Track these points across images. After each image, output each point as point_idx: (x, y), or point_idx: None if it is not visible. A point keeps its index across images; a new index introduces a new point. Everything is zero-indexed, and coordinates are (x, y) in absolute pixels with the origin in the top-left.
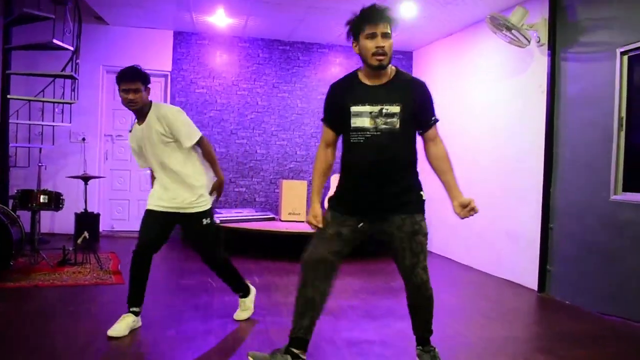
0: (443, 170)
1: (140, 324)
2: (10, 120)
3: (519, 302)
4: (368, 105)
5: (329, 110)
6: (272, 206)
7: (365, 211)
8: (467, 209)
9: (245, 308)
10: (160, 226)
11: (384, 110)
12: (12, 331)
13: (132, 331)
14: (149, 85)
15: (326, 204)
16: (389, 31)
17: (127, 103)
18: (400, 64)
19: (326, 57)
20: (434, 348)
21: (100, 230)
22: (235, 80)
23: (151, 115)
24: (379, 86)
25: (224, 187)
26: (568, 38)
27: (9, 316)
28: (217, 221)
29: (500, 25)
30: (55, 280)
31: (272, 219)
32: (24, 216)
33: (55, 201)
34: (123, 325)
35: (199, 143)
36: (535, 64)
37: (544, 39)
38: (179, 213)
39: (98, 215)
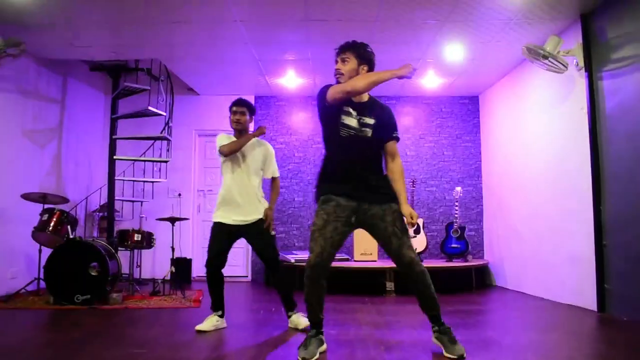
0: (395, 180)
1: (225, 325)
2: (117, 178)
3: (569, 319)
4: (354, 111)
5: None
6: (346, 247)
7: (354, 199)
8: (411, 220)
9: (298, 319)
10: (227, 237)
11: (362, 120)
12: (100, 337)
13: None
14: (253, 117)
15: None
16: (345, 56)
17: (234, 121)
18: (467, 108)
19: (394, 108)
20: (449, 328)
21: (193, 275)
22: (311, 135)
23: (255, 142)
24: (360, 102)
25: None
26: (601, 58)
27: (99, 326)
28: (293, 260)
29: (537, 54)
30: (143, 305)
31: (347, 259)
32: (125, 257)
33: (147, 239)
34: (208, 323)
35: (275, 179)
36: (577, 87)
37: (582, 63)
38: (246, 225)
39: (190, 260)
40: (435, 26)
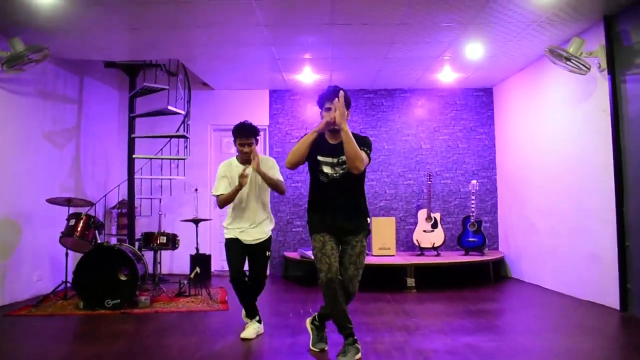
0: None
1: (262, 331)
2: (135, 176)
3: (596, 320)
4: (330, 157)
5: None
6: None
7: (335, 231)
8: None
9: (255, 329)
10: (244, 253)
11: (340, 160)
12: (134, 344)
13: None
14: (258, 138)
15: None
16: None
17: (242, 154)
18: (481, 100)
19: (408, 101)
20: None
21: (212, 270)
22: None
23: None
24: (336, 144)
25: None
26: (625, 61)
27: (133, 333)
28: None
29: (559, 56)
30: (172, 308)
31: (366, 253)
32: (148, 256)
33: (172, 241)
34: (251, 330)
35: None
36: (599, 88)
37: (604, 65)
38: (254, 244)
39: (209, 256)
40: (458, 28)
